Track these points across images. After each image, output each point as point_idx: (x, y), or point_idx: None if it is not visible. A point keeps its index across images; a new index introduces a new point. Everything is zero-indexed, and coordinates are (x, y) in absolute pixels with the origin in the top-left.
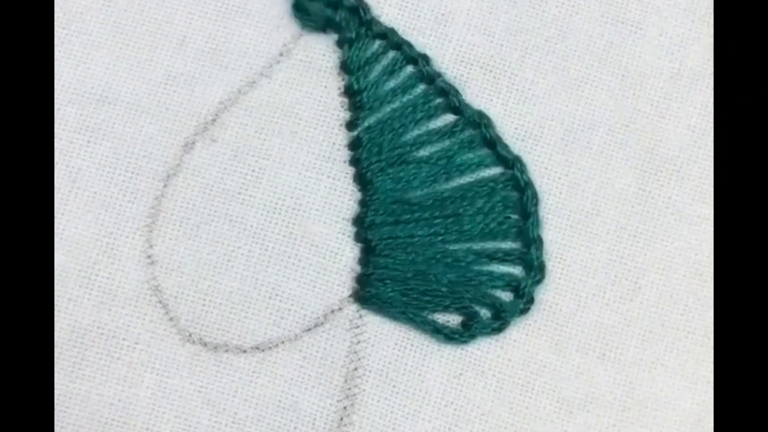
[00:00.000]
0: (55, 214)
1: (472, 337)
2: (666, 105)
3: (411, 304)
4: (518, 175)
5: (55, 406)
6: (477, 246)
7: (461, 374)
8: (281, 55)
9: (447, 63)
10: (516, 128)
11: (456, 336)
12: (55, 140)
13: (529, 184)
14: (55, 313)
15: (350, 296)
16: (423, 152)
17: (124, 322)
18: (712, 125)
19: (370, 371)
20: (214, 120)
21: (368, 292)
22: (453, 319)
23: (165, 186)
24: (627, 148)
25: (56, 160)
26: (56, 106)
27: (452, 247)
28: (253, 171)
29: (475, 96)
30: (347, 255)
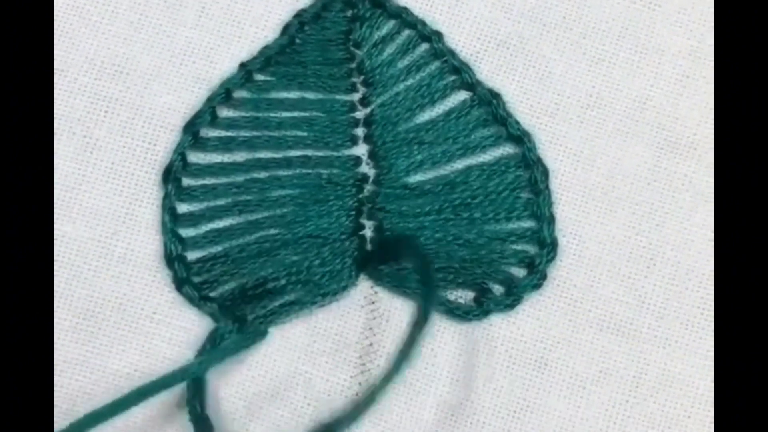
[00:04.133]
0: (73, 185)
1: (485, 313)
2: (683, 82)
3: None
4: (527, 152)
5: (71, 378)
6: (490, 228)
7: (474, 350)
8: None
9: (464, 40)
10: (532, 105)
11: (469, 312)
12: (74, 110)
13: (538, 162)
14: (74, 284)
15: (364, 273)
16: (436, 131)
17: (142, 293)
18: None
19: (384, 347)
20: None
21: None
22: (466, 295)
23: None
24: (644, 125)
25: (74, 130)
26: (74, 76)
27: (465, 228)
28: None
29: (492, 73)
30: (360, 232)
